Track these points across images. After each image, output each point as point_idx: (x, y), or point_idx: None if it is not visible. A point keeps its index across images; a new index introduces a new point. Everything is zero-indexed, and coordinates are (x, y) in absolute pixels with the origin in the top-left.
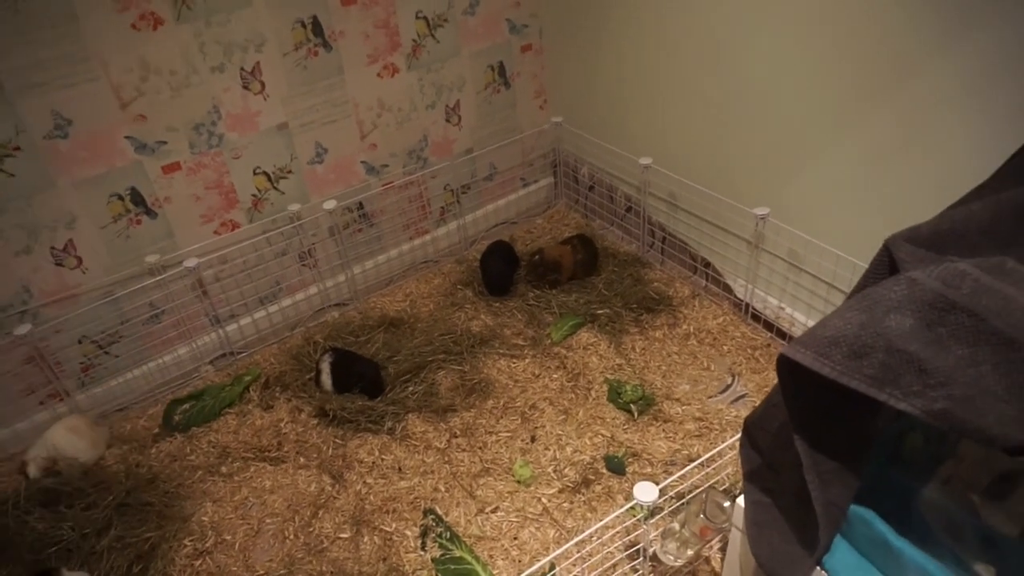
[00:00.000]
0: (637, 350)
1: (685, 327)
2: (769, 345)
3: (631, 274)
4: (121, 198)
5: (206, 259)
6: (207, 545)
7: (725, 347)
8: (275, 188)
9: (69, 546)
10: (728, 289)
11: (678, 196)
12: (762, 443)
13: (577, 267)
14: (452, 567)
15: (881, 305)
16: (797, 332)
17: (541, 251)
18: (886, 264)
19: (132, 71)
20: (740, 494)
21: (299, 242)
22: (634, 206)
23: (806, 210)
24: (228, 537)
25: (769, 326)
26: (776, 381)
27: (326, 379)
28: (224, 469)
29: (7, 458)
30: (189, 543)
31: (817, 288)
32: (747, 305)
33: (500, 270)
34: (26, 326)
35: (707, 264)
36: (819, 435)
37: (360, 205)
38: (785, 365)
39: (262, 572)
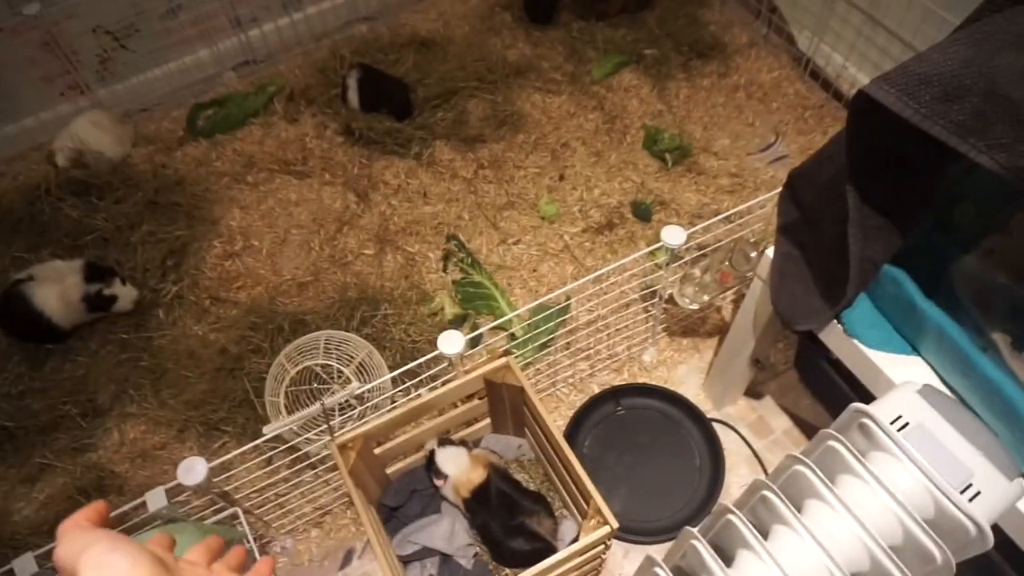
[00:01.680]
0: (681, 97)
1: (736, 78)
2: (823, 106)
3: (687, 13)
4: None
5: None
6: (236, 248)
7: (774, 104)
8: None
9: (104, 235)
10: (791, 40)
11: None
12: (804, 196)
13: None
14: (471, 290)
15: (994, 39)
16: None
17: None
18: None
19: None
20: (766, 248)
21: None
22: None
23: None
24: (256, 243)
25: (827, 85)
26: (830, 136)
27: (353, 96)
28: (250, 178)
29: (35, 147)
30: (219, 244)
31: (891, 48)
32: (808, 60)
33: None
34: (35, 5)
35: (773, 9)
36: (874, 188)
37: None
38: (861, 103)
39: (289, 277)
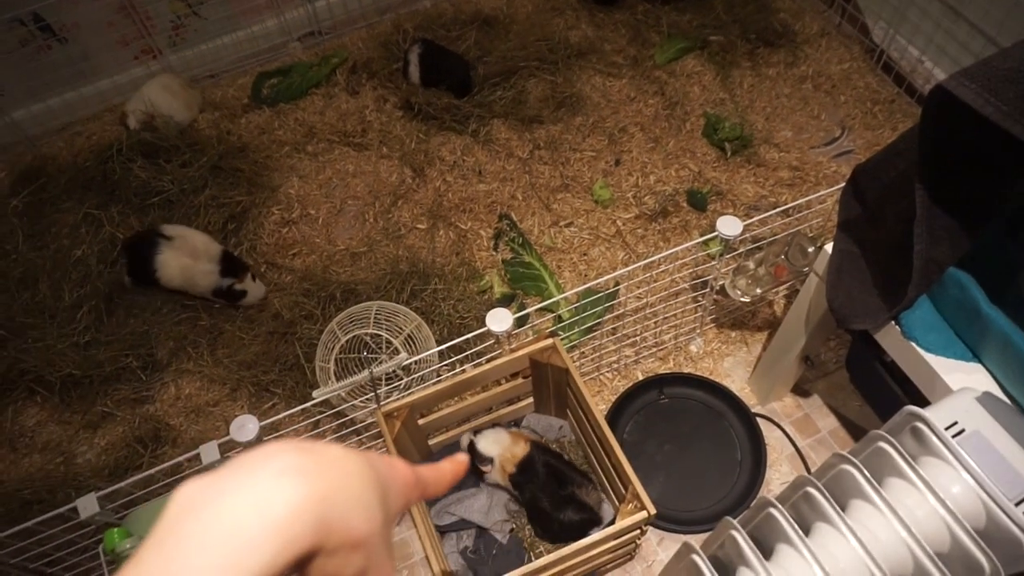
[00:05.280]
0: (745, 86)
1: (803, 68)
2: (894, 101)
3: None
4: None
5: None
6: (293, 216)
7: (842, 97)
8: None
9: (170, 198)
10: (865, 30)
11: None
12: (869, 193)
13: None
14: (520, 270)
15: None
16: None
17: None
18: None
19: None
20: (824, 244)
21: None
22: None
23: None
24: (312, 212)
25: (900, 80)
26: (899, 132)
27: (414, 71)
28: (310, 148)
29: (108, 109)
30: (277, 212)
31: (973, 43)
32: (881, 52)
33: None
34: None
35: None
36: (945, 188)
37: None
38: (938, 97)
39: (343, 247)
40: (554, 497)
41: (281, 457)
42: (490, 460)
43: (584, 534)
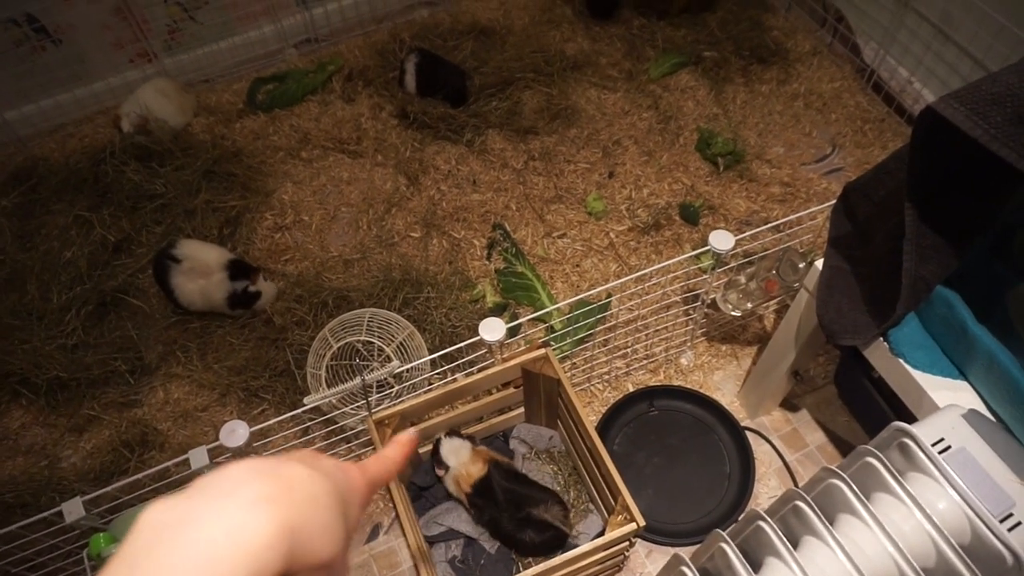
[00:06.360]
0: (738, 102)
1: (795, 86)
2: (883, 120)
3: (750, 17)
4: None
5: None
6: (286, 222)
7: (833, 115)
8: None
9: (165, 202)
10: (856, 50)
11: None
12: (859, 210)
13: None
14: (513, 280)
15: None
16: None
17: None
18: None
19: None
20: (815, 260)
21: None
22: None
23: None
24: (306, 218)
25: (889, 100)
26: (890, 151)
27: (410, 80)
28: (304, 154)
29: (101, 111)
30: (270, 217)
31: (960, 65)
32: (872, 72)
33: None
34: None
35: (840, 18)
36: (934, 207)
37: None
38: (928, 119)
39: (336, 254)
40: (513, 519)
41: (251, 485)
42: (445, 467)
43: (553, 551)
